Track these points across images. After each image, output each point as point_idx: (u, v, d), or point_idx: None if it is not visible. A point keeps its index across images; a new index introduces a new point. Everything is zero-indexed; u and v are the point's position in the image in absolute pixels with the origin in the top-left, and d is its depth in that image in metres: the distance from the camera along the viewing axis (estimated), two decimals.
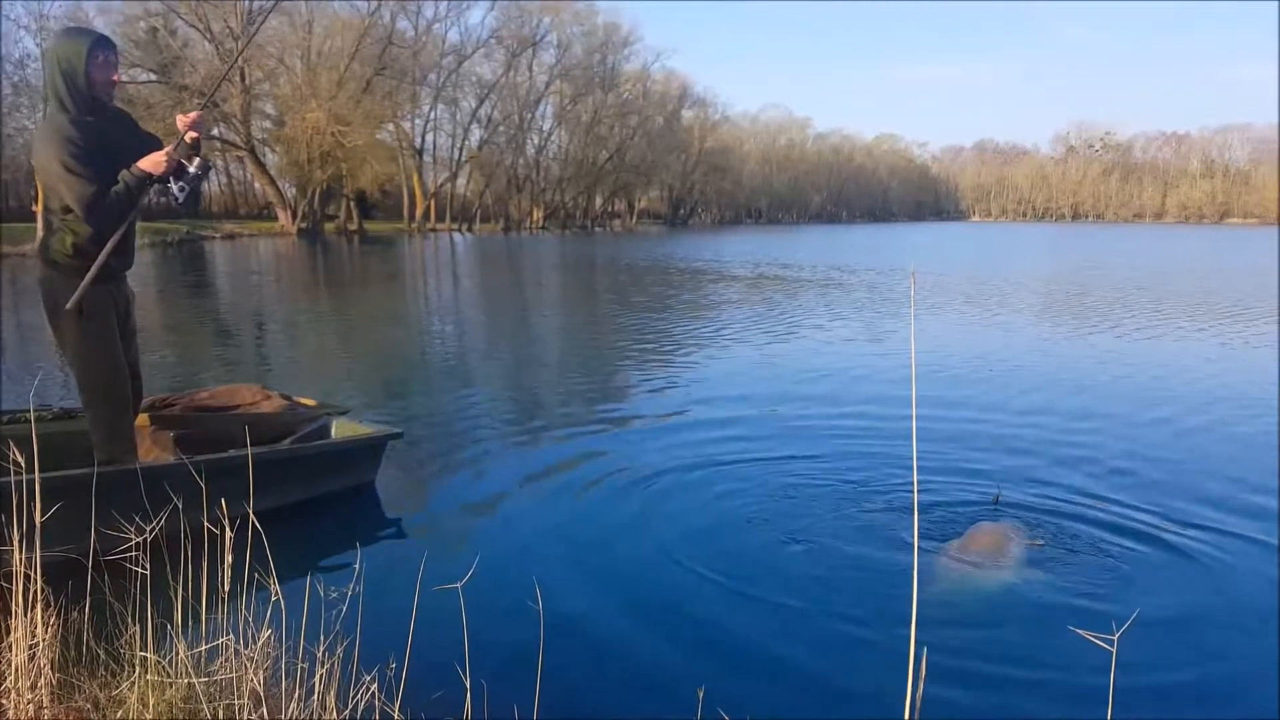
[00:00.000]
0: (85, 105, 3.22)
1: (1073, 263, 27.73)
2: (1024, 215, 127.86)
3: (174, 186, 3.31)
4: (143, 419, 4.04)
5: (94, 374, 3.42)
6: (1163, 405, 6.55)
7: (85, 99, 3.21)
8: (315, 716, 1.86)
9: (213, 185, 53.45)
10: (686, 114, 77.69)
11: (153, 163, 3.25)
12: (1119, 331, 10.91)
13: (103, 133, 3.27)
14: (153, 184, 3.32)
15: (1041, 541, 3.68)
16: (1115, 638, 1.46)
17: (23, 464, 2.02)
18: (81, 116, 3.21)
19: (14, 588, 1.98)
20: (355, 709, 1.88)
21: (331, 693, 1.87)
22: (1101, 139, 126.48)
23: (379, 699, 1.85)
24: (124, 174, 3.24)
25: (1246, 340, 10.15)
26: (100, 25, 40.69)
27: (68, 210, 3.26)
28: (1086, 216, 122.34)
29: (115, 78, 3.29)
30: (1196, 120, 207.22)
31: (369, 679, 1.89)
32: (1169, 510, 4.12)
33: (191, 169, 3.32)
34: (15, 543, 2.01)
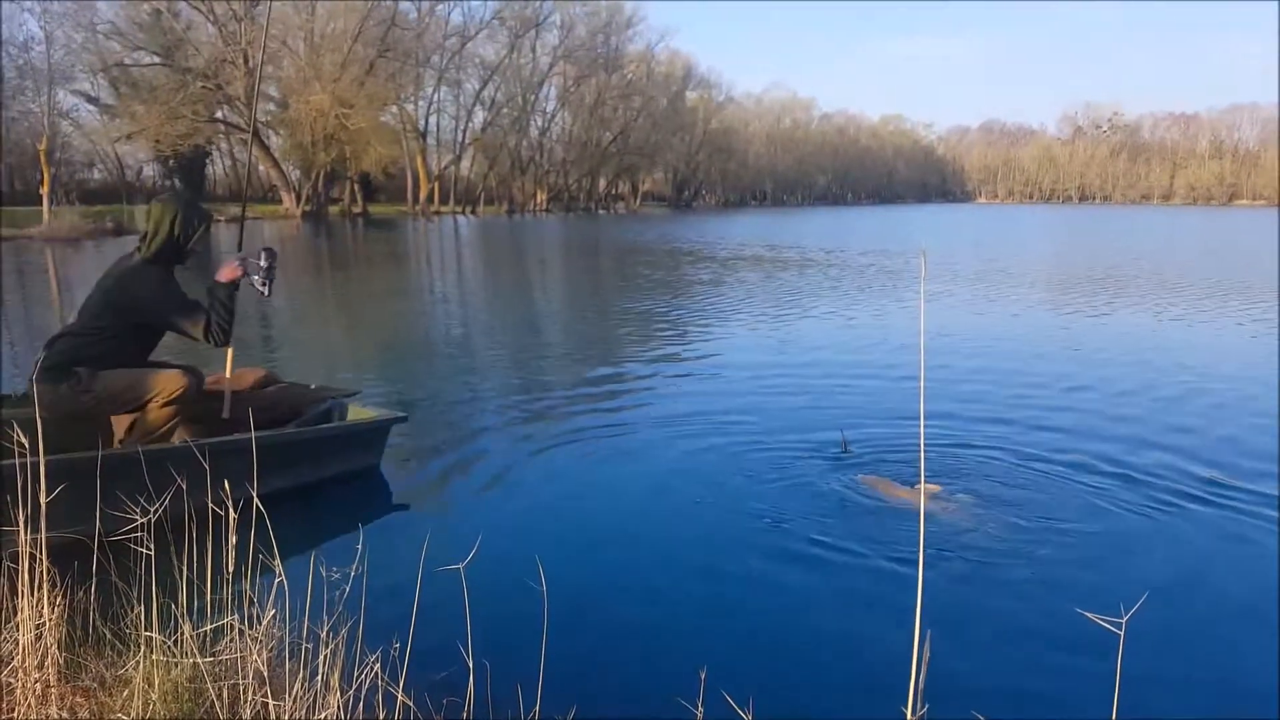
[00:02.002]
0: (170, 258, 3.74)
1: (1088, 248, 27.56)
2: (1030, 197, 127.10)
3: (256, 281, 3.85)
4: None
5: (113, 397, 3.66)
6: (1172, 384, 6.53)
7: (175, 256, 3.74)
8: (319, 696, 1.87)
9: (217, 169, 53.39)
10: (690, 95, 77.28)
11: (228, 274, 3.79)
12: (1133, 312, 10.87)
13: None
14: (236, 289, 3.82)
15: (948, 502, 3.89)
16: (1124, 620, 1.45)
17: (28, 446, 2.03)
18: (162, 263, 3.71)
19: (20, 568, 1.99)
20: (359, 689, 1.89)
21: (335, 673, 1.88)
22: (1109, 119, 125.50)
23: (383, 679, 1.86)
24: (212, 291, 3.77)
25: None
26: (104, 7, 40.67)
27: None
28: (1094, 198, 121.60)
29: (199, 250, 3.83)
30: (1205, 100, 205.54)
31: (372, 659, 1.89)
32: (1175, 482, 4.11)
33: (262, 263, 3.85)
34: (21, 524, 2.02)
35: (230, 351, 3.96)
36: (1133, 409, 5.80)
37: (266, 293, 3.89)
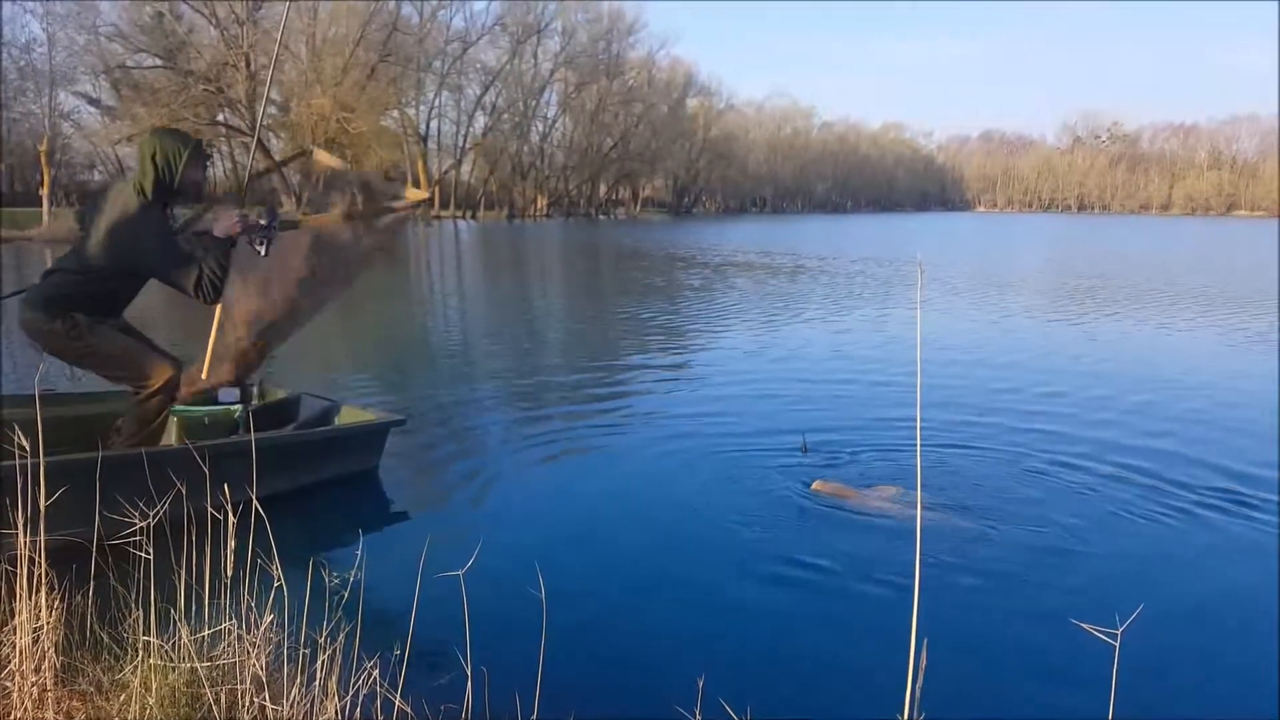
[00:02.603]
0: (167, 198, 3.51)
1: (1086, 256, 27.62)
2: (1029, 206, 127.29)
3: (255, 241, 3.63)
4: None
5: (104, 357, 3.58)
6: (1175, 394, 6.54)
7: (168, 193, 3.50)
8: (317, 701, 1.87)
9: (217, 171, 53.41)
10: (691, 102, 77.38)
11: (225, 227, 3.57)
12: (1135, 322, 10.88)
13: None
14: (233, 245, 3.59)
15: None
16: (1119, 632, 1.45)
17: (27, 447, 2.03)
18: (159, 204, 3.48)
19: (19, 571, 1.99)
20: (357, 694, 1.89)
21: (333, 678, 1.88)
22: (1108, 130, 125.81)
23: (381, 685, 1.86)
24: (207, 245, 3.53)
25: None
26: (106, 9, 40.70)
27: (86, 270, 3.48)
28: (1092, 208, 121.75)
29: (200, 181, 3.61)
30: (1205, 111, 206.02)
31: (370, 664, 1.89)
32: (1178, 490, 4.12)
33: (263, 220, 3.63)
34: (19, 526, 2.02)
35: (216, 318, 3.79)
36: (1123, 414, 5.81)
37: (264, 253, 3.69)
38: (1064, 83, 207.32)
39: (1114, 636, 1.45)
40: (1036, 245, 34.11)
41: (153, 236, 3.45)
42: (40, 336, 3.49)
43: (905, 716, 1.43)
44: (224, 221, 3.62)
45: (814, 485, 4.15)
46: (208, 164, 3.64)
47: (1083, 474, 4.53)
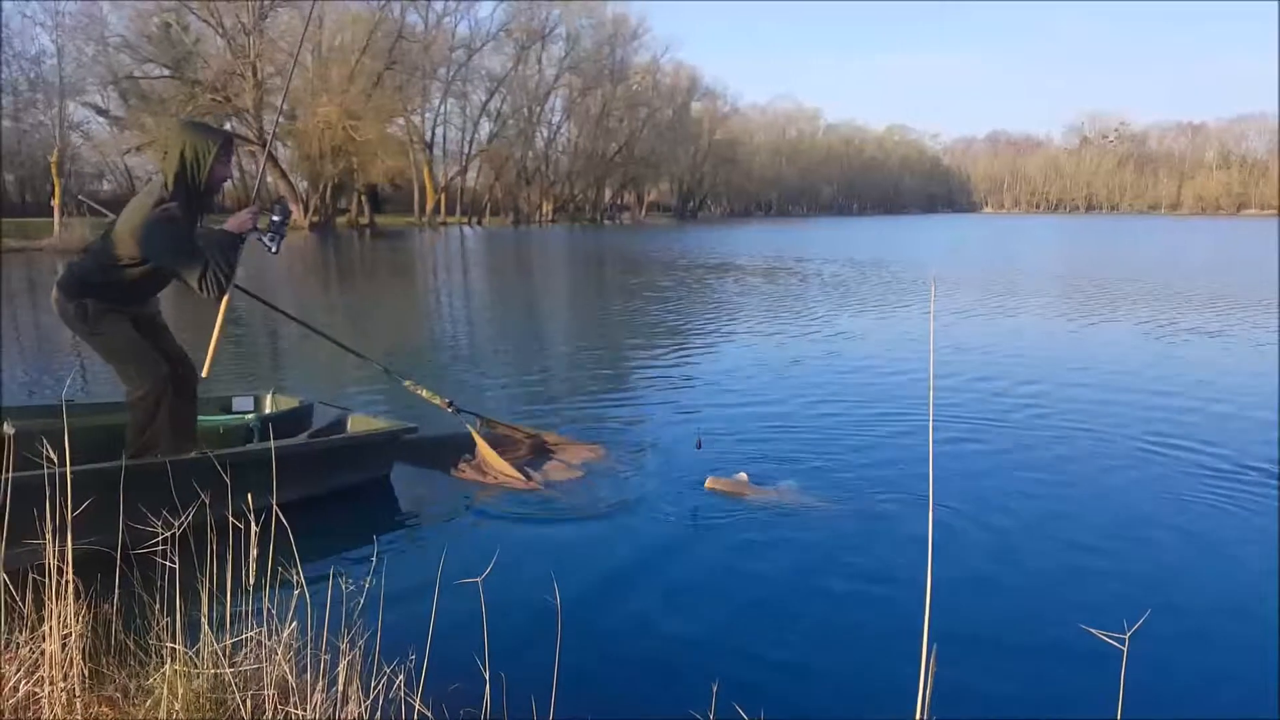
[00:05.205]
0: (192, 193, 3.52)
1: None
2: (1037, 207, 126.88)
3: (266, 238, 3.67)
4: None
5: (106, 348, 3.67)
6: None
7: (194, 188, 3.51)
8: (338, 706, 1.91)
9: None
10: (696, 106, 77.41)
11: (238, 223, 3.63)
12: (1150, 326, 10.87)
13: (188, 211, 3.57)
14: (243, 242, 3.64)
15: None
16: (1126, 636, 1.48)
17: (54, 458, 2.07)
18: (180, 198, 3.49)
19: (47, 580, 2.04)
20: (377, 699, 1.92)
21: (354, 684, 1.92)
22: (1116, 130, 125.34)
23: (401, 690, 1.90)
24: (217, 240, 3.57)
25: None
26: (114, 21, 41.02)
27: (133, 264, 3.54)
28: (1100, 208, 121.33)
29: (227, 176, 3.64)
30: (1212, 110, 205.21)
31: (390, 669, 1.93)
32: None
33: (275, 216, 3.68)
34: (47, 535, 2.06)
35: (221, 312, 3.75)
36: (1145, 413, 5.82)
37: (275, 249, 3.72)
38: (1070, 85, 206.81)
39: (1122, 641, 1.47)
40: (1059, 247, 33.99)
41: (164, 229, 3.46)
42: (63, 316, 3.62)
43: (917, 718, 1.46)
44: (235, 217, 3.65)
45: (707, 483, 4.30)
46: (232, 155, 3.67)
47: (1095, 476, 4.55)
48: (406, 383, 4.94)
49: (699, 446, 4.66)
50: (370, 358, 5.22)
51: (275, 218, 3.67)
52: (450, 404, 4.88)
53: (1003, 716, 2.44)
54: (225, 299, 3.67)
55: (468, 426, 4.86)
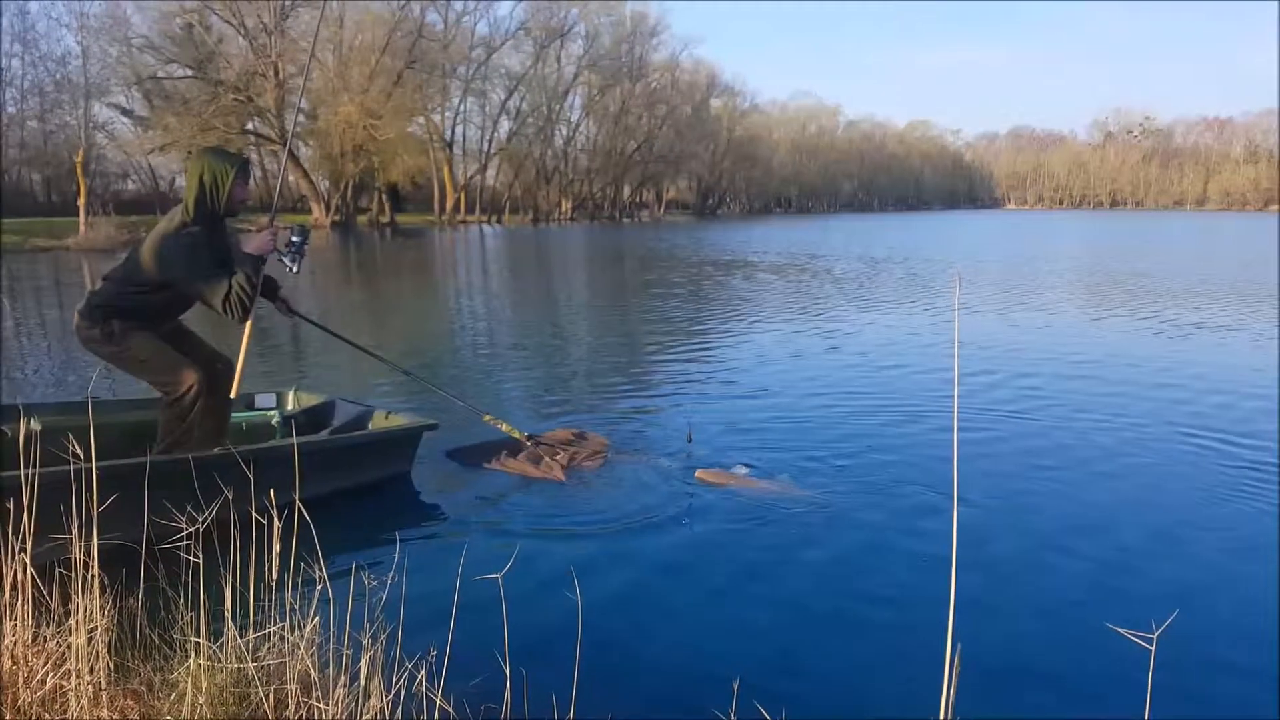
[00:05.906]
0: (211, 217, 3.63)
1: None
2: (1060, 203, 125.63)
3: (286, 259, 3.75)
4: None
5: (135, 362, 3.72)
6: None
7: (214, 211, 3.62)
8: (360, 701, 1.91)
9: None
10: (715, 103, 77.24)
11: (258, 245, 3.71)
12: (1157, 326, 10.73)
13: (211, 235, 3.68)
14: (264, 263, 3.71)
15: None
16: (1155, 636, 1.45)
17: (80, 454, 2.10)
18: (201, 223, 3.60)
19: (74, 574, 2.06)
20: (398, 695, 1.93)
21: (376, 679, 1.93)
22: (1140, 125, 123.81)
23: (423, 686, 1.90)
24: (240, 262, 3.63)
25: None
26: (137, 22, 41.51)
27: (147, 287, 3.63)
28: (1125, 204, 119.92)
29: (246, 198, 3.71)
30: (1239, 105, 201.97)
31: (411, 664, 1.94)
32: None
33: (294, 237, 3.72)
34: (74, 531, 2.09)
35: (246, 334, 3.80)
36: (1172, 413, 5.75)
37: (295, 269, 3.80)
38: (1094, 80, 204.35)
39: (1150, 641, 1.45)
40: (1087, 243, 33.64)
41: (184, 252, 3.56)
42: (87, 343, 3.68)
43: (942, 717, 1.44)
44: (255, 239, 3.73)
45: (697, 474, 4.39)
46: (249, 178, 3.76)
47: (1121, 474, 4.49)
48: (486, 417, 4.96)
49: (690, 440, 4.88)
50: (439, 386, 5.36)
51: (295, 238, 3.76)
52: (529, 437, 4.88)
53: (1027, 717, 2.42)
54: (249, 322, 3.71)
55: (500, 426, 4.89)
